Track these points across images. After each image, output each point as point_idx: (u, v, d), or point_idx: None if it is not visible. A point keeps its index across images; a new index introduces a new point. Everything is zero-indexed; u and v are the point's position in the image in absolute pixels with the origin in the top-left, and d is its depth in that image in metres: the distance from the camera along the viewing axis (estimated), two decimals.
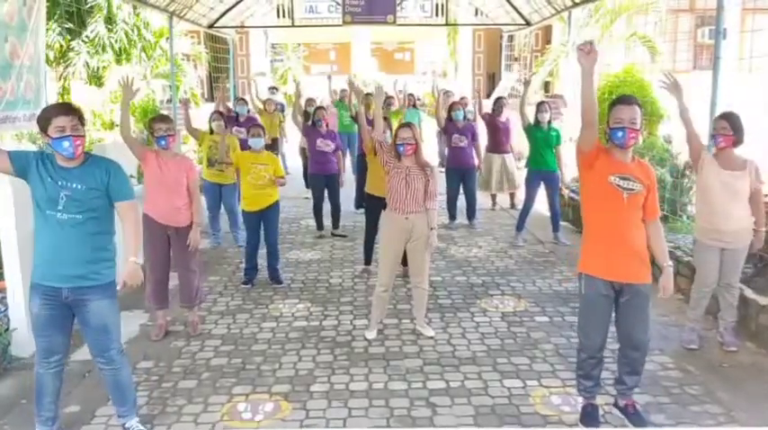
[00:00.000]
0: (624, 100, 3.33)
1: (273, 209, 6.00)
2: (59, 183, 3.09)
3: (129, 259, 3.32)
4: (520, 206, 7.84)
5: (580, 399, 3.69)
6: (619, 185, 3.27)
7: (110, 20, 11.40)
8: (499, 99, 8.91)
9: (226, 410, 3.78)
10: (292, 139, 11.45)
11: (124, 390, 3.46)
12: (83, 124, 3.16)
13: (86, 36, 11.15)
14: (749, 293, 4.65)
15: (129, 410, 3.49)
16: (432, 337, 4.75)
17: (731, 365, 4.29)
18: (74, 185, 3.11)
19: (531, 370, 4.24)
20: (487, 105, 9.46)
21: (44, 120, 3.10)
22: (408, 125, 4.73)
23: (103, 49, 11.26)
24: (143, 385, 4.04)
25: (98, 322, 3.26)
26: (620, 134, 3.24)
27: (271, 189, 5.93)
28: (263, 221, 5.98)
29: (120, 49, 11.43)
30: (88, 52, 11.08)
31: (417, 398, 3.88)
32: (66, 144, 3.05)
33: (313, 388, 4.03)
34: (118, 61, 11.38)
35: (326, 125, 7.72)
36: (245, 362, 4.40)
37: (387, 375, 4.19)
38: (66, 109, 3.15)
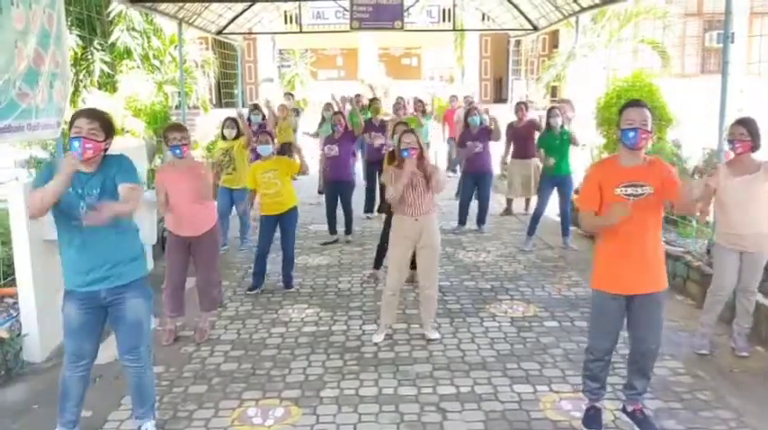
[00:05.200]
0: (634, 103, 3.37)
1: (291, 215, 5.98)
2: (78, 191, 3.12)
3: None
4: (531, 211, 7.82)
5: (586, 401, 3.69)
6: (627, 195, 3.28)
7: (132, 28, 11.51)
8: (519, 104, 8.93)
9: (236, 415, 3.79)
10: (304, 144, 11.41)
11: (146, 391, 3.49)
12: (105, 132, 3.13)
13: (99, 43, 11.24)
14: (760, 298, 4.62)
15: (147, 412, 3.51)
16: (436, 340, 4.76)
17: (742, 370, 4.27)
18: (93, 192, 3.14)
19: (541, 375, 4.24)
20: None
21: (70, 122, 3.15)
22: (411, 131, 4.82)
23: (129, 56, 11.35)
24: None
25: (133, 318, 3.31)
26: (631, 134, 3.26)
27: (285, 196, 5.90)
28: (280, 227, 5.98)
29: (141, 56, 11.53)
30: (102, 59, 11.16)
31: (427, 404, 3.88)
32: (75, 144, 3.06)
33: (323, 393, 4.04)
34: (138, 67, 11.46)
35: (342, 127, 7.70)
36: (254, 368, 4.42)
37: (396, 380, 4.19)
38: (90, 113, 3.16)
